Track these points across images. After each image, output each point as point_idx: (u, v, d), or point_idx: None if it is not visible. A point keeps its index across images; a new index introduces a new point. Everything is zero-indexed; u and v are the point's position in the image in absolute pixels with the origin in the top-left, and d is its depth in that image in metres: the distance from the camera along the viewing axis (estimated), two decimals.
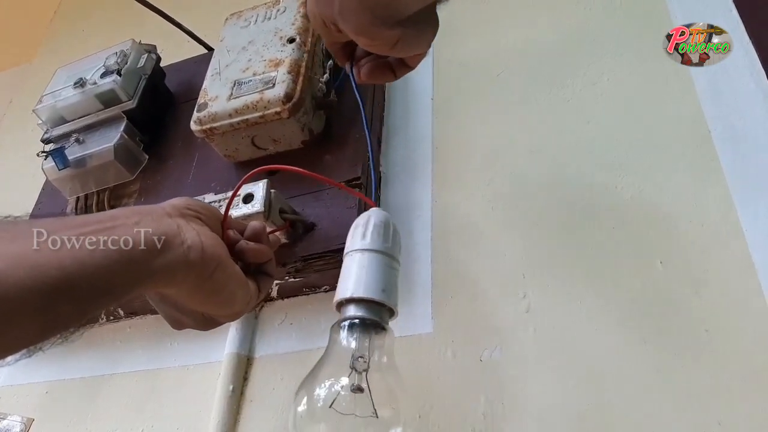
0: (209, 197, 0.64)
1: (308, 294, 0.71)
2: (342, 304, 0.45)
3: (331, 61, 0.76)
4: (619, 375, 0.55)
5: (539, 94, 0.76)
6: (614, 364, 0.55)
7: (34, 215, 0.87)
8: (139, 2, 0.83)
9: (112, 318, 0.77)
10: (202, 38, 0.94)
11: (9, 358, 0.33)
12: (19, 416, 0.76)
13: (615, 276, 0.60)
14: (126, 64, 0.82)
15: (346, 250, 0.48)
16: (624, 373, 0.54)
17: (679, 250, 0.59)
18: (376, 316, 0.44)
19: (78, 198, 0.84)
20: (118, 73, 0.81)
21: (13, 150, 1.21)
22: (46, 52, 1.43)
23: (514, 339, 0.59)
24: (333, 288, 0.69)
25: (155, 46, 0.91)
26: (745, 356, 0.52)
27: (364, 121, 0.57)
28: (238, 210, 0.61)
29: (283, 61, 0.71)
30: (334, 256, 0.65)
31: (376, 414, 0.42)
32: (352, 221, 0.64)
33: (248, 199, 0.61)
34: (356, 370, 0.43)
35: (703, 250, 0.58)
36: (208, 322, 0.48)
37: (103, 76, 0.82)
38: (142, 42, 0.89)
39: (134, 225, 0.38)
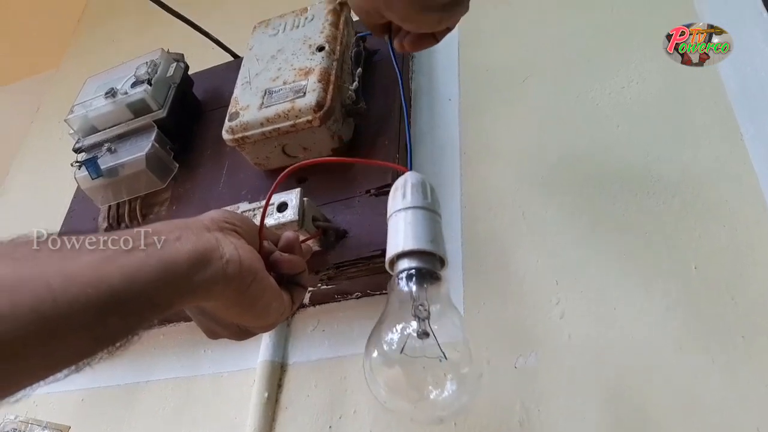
0: (243, 206, 0.65)
1: (340, 301, 0.72)
2: (394, 261, 0.47)
3: (360, 69, 0.76)
4: (655, 383, 0.55)
5: (567, 98, 0.76)
6: (650, 372, 0.55)
7: (66, 223, 0.88)
8: (165, 10, 0.84)
9: None
10: (227, 45, 0.95)
11: (59, 374, 0.34)
12: (56, 424, 0.77)
13: (649, 281, 0.60)
14: (156, 73, 0.83)
15: (389, 213, 0.50)
16: (660, 381, 0.54)
17: (713, 254, 0.59)
18: (428, 265, 0.46)
19: (110, 206, 0.85)
20: (149, 82, 0.82)
21: (42, 157, 1.23)
22: (72, 60, 1.44)
23: (549, 346, 0.59)
24: (365, 295, 0.71)
25: (183, 54, 0.92)
26: None
27: (401, 88, 0.58)
28: (273, 219, 0.61)
29: (313, 69, 0.71)
30: (367, 263, 0.66)
31: (445, 356, 0.44)
32: (384, 228, 0.65)
33: (282, 208, 0.62)
34: (419, 318, 0.44)
35: (738, 255, 0.58)
36: (243, 333, 0.49)
37: (133, 85, 0.82)
38: (170, 51, 0.90)
39: (176, 240, 0.39)
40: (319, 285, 0.69)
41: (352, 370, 0.66)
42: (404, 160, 0.71)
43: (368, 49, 0.82)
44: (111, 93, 0.82)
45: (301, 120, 0.69)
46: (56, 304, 0.31)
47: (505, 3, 0.89)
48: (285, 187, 0.65)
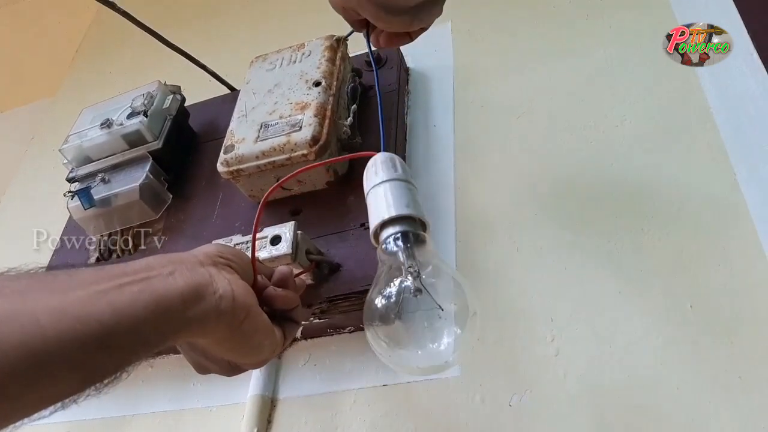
0: (236, 239, 0.64)
1: (332, 335, 0.71)
2: (377, 233, 0.48)
3: (355, 104, 0.77)
4: (652, 423, 0.54)
5: (561, 136, 0.76)
6: (647, 412, 0.55)
7: (57, 252, 0.87)
8: (163, 43, 0.85)
9: None
10: (223, 77, 0.96)
11: (45, 411, 0.33)
12: None
13: (645, 320, 0.59)
14: (152, 105, 0.84)
15: (365, 192, 0.51)
16: (657, 421, 0.54)
17: (709, 293, 0.59)
18: (411, 228, 0.47)
19: (102, 236, 0.84)
20: (145, 114, 0.82)
21: (36, 186, 1.22)
22: (68, 89, 1.44)
23: (544, 383, 0.59)
24: (357, 329, 0.70)
25: (180, 86, 0.92)
26: None
27: (376, 80, 0.60)
28: (266, 252, 0.61)
29: (309, 104, 0.72)
30: (360, 297, 0.65)
31: (440, 307, 0.45)
32: (377, 263, 0.64)
33: (276, 241, 0.62)
34: (412, 276, 0.45)
35: (733, 295, 0.58)
36: (233, 369, 0.49)
37: (129, 117, 0.83)
38: (167, 83, 0.90)
39: (169, 275, 0.38)
40: (312, 319, 0.68)
41: (343, 406, 0.65)
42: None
43: (364, 85, 0.82)
44: (106, 124, 0.82)
45: (296, 154, 0.69)
46: (45, 340, 0.30)
47: (502, 42, 0.90)
48: (279, 219, 0.65)
